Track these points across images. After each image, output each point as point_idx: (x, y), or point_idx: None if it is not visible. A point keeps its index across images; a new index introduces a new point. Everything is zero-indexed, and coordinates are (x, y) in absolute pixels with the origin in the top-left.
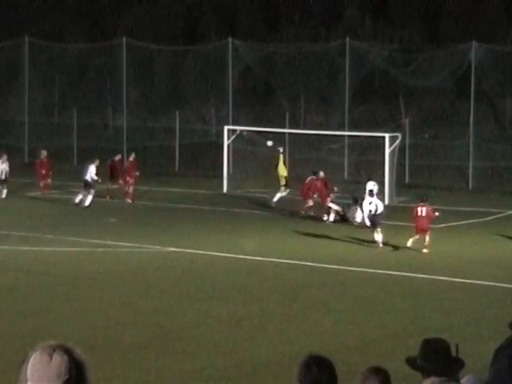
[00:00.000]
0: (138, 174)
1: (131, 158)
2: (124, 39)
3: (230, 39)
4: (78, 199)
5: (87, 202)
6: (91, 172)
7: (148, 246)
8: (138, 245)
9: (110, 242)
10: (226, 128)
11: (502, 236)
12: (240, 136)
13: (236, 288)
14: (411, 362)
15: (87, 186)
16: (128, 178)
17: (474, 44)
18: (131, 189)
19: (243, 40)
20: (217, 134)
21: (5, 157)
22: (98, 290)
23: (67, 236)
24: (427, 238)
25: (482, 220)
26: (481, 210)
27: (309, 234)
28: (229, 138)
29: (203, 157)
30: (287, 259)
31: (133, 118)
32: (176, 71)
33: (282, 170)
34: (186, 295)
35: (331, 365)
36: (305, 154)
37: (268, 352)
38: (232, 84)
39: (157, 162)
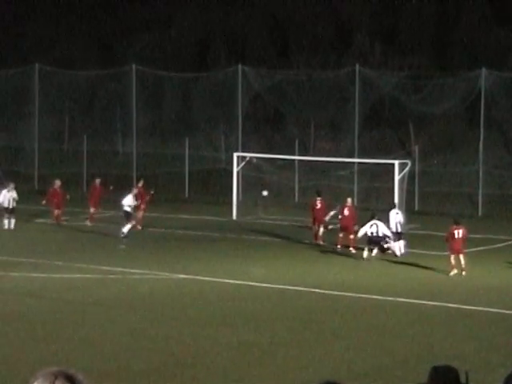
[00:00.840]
0: (150, 195)
1: (140, 184)
2: (134, 66)
3: (239, 66)
4: (125, 230)
5: (125, 230)
6: (128, 201)
7: (158, 273)
8: (147, 271)
9: (119, 269)
10: (235, 155)
11: (511, 263)
12: (249, 163)
13: (245, 315)
14: None
15: (127, 216)
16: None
17: (484, 71)
18: (141, 214)
19: (253, 67)
20: (226, 160)
21: (12, 185)
22: (108, 317)
23: (77, 263)
24: (463, 261)
25: (491, 247)
26: (490, 236)
27: (318, 261)
28: (238, 165)
29: (213, 183)
30: (296, 286)
31: (143, 144)
32: (186, 98)
33: None
34: (196, 322)
35: None
36: (314, 181)
37: (278, 379)
38: (242, 111)
39: (167, 188)
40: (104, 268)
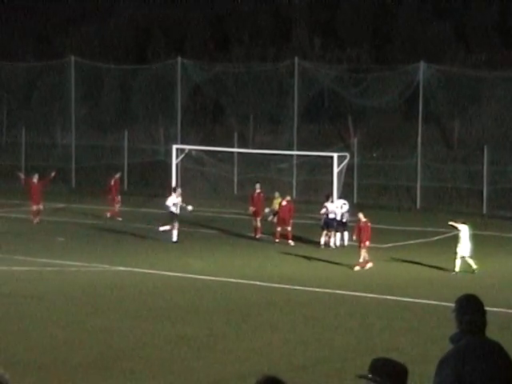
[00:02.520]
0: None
1: (117, 176)
2: (72, 58)
3: (179, 58)
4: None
5: (174, 238)
6: (172, 200)
7: (96, 265)
8: (86, 264)
9: (58, 261)
10: (174, 147)
11: (448, 255)
12: (189, 155)
13: (184, 307)
14: (364, 376)
15: (171, 217)
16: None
17: (422, 64)
18: (117, 207)
19: (192, 59)
20: (165, 153)
21: None
22: (45, 310)
23: (14, 255)
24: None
25: (429, 240)
26: (428, 229)
27: (257, 254)
28: (177, 157)
29: (152, 176)
30: (235, 278)
31: (81, 136)
32: (125, 90)
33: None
34: (135, 314)
35: None
36: (253, 174)
37: (216, 372)
38: (181, 103)
39: (105, 181)
40: (42, 260)
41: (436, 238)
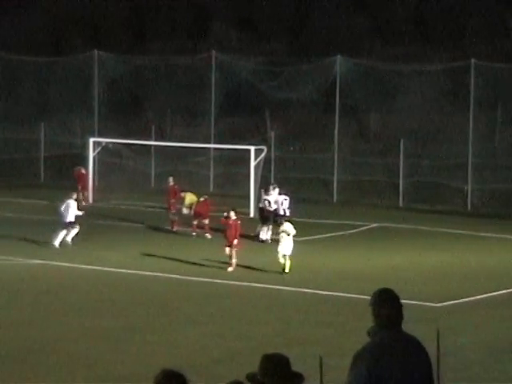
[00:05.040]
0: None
1: (83, 171)
2: None
3: (95, 51)
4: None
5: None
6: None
7: (12, 258)
8: (2, 257)
9: None
10: (91, 140)
11: (365, 248)
12: (106, 148)
13: (101, 300)
14: (252, 377)
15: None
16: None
17: (339, 58)
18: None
19: (109, 52)
20: (82, 146)
21: None
22: None
23: None
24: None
25: (345, 233)
26: (345, 222)
27: (174, 247)
28: (94, 150)
29: (69, 169)
30: (152, 271)
31: None
32: (42, 83)
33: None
34: (50, 308)
35: (183, 379)
36: (171, 167)
37: (132, 365)
38: (98, 96)
39: (22, 173)
40: None
41: (353, 231)
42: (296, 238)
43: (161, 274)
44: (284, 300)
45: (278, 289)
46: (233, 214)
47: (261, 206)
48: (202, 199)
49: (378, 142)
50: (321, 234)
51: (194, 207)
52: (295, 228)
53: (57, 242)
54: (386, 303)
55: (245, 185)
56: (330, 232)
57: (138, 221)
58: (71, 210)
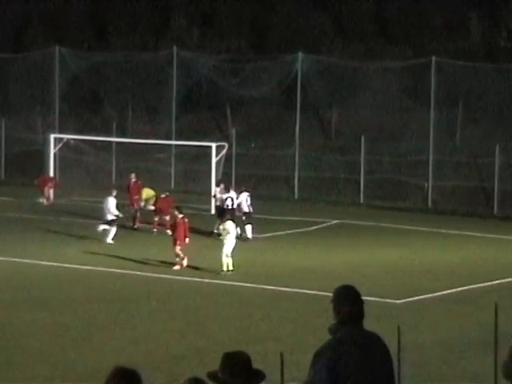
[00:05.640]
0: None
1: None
2: None
3: (56, 47)
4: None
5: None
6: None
7: None
8: None
9: None
10: (52, 136)
11: (326, 245)
12: (67, 144)
13: (62, 297)
14: (213, 376)
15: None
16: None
17: (300, 55)
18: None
19: (70, 48)
20: (43, 142)
21: None
22: None
23: None
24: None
25: (307, 229)
26: (306, 219)
27: (135, 243)
28: (55, 147)
29: (30, 165)
30: (114, 268)
31: None
32: (2, 79)
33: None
34: (11, 304)
35: (136, 378)
36: (132, 163)
37: (93, 361)
38: (59, 92)
39: None
40: None
41: (314, 227)
42: (257, 235)
43: (121, 271)
44: (245, 297)
45: (239, 285)
46: (178, 214)
47: (218, 203)
48: (163, 196)
49: (339, 139)
50: (282, 230)
51: (152, 203)
52: (253, 227)
53: (109, 239)
54: (347, 300)
55: (206, 182)
56: (291, 229)
57: (99, 217)
58: (110, 207)
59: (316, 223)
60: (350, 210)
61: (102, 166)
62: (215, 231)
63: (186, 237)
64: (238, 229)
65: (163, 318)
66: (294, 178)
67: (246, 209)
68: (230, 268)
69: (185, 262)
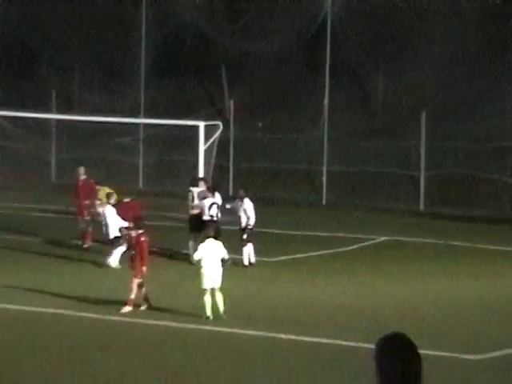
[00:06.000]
0: None
1: None
2: None
3: None
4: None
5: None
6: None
7: None
8: None
9: None
10: None
11: (368, 274)
12: None
13: None
14: None
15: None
16: None
17: None
18: None
19: None
20: None
21: None
22: None
23: None
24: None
25: (340, 250)
26: (339, 235)
27: (84, 273)
28: None
29: None
30: (55, 309)
31: None
32: None
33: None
34: None
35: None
36: (81, 153)
37: None
38: None
39: None
40: None
41: (351, 247)
42: (267, 259)
43: (65, 312)
44: (246, 349)
45: (238, 333)
46: (135, 228)
47: (195, 212)
48: (126, 200)
49: (387, 117)
50: (302, 252)
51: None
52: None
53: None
54: (397, 356)
55: (189, 179)
56: (317, 249)
57: (30, 232)
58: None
59: (354, 241)
60: (404, 222)
61: (36, 155)
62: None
63: (142, 264)
64: (248, 254)
65: None
66: (320, 174)
67: (243, 220)
68: (221, 309)
69: (127, 308)
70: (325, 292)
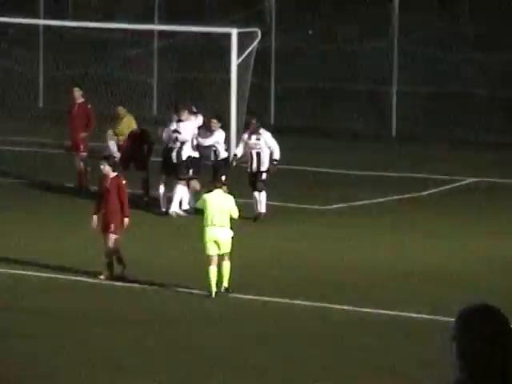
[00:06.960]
0: None
1: None
2: None
3: None
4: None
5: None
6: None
7: None
8: None
9: None
10: None
11: (453, 225)
12: None
13: None
14: None
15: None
16: None
17: None
18: None
19: None
20: None
21: None
22: None
23: None
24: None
25: (414, 195)
26: (414, 175)
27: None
28: None
29: None
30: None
31: None
32: None
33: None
34: None
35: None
36: (75, 69)
37: None
38: None
39: None
40: None
41: (428, 191)
42: (318, 207)
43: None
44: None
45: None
46: (107, 167)
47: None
48: (133, 130)
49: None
50: (364, 198)
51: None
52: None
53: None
54: (484, 334)
55: (219, 103)
56: (385, 194)
57: (15, 172)
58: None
59: (434, 183)
60: (501, 158)
61: (20, 73)
62: (176, 210)
63: (124, 215)
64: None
65: None
66: (390, 95)
67: (264, 157)
68: (225, 283)
69: (102, 276)
70: (394, 251)
